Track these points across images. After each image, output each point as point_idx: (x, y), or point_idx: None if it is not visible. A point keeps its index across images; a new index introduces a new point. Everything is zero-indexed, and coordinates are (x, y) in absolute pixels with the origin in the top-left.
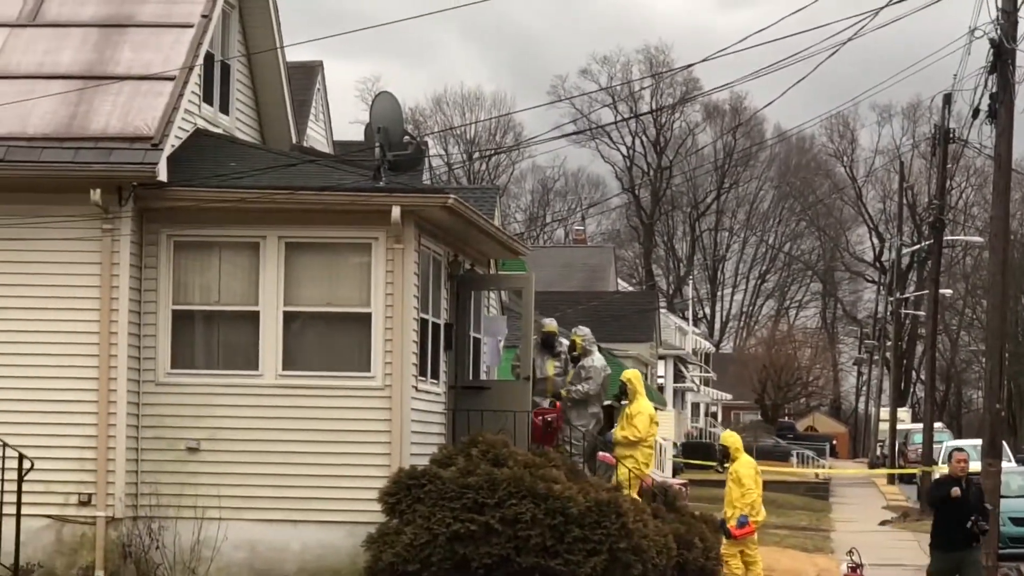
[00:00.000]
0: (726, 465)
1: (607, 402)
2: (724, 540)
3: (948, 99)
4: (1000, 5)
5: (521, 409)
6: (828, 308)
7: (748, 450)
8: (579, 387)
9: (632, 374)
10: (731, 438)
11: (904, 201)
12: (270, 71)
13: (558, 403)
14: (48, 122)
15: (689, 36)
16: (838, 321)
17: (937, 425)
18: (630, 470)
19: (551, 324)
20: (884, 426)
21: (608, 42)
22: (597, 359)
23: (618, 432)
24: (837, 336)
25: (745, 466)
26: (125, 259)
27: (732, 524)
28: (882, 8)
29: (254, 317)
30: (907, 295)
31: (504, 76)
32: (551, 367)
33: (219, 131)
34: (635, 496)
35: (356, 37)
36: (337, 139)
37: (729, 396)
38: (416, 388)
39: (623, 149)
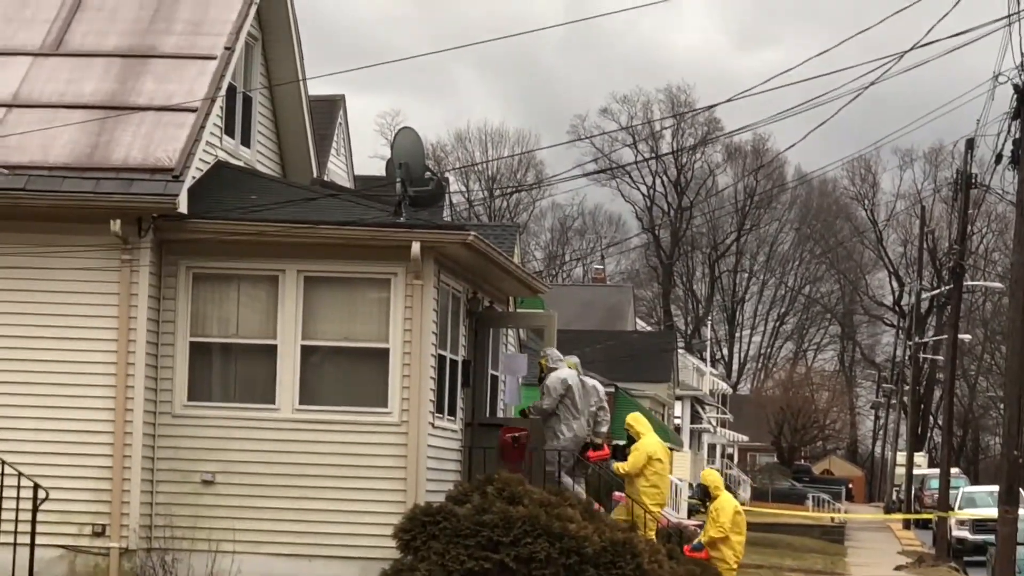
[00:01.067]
0: (707, 504)
1: (616, 441)
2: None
3: (971, 144)
4: None
5: (538, 447)
6: (846, 351)
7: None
8: (538, 404)
9: (631, 418)
10: (710, 476)
11: (924, 245)
12: (292, 104)
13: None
14: (70, 151)
15: (710, 77)
16: (856, 364)
17: (954, 471)
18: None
19: (544, 357)
20: (900, 471)
21: (629, 82)
22: (554, 375)
23: (616, 467)
24: (855, 379)
25: (725, 503)
26: (144, 290)
27: (687, 546)
28: (906, 52)
29: (272, 350)
30: (926, 339)
31: (524, 114)
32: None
33: (240, 163)
34: (651, 536)
35: (378, 71)
36: (358, 173)
37: (746, 438)
38: (433, 424)
39: (643, 189)
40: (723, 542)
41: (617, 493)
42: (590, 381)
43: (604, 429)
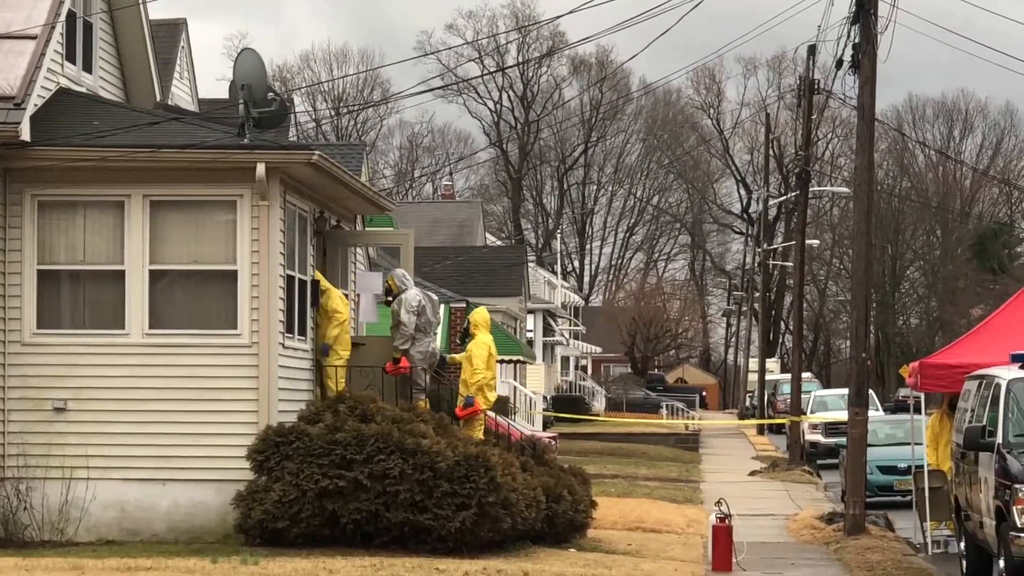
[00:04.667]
0: (466, 341)
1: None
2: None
3: (812, 50)
4: None
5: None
6: (696, 260)
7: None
8: (399, 326)
9: (476, 314)
10: (477, 315)
11: (770, 153)
12: (133, 29)
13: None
14: None
15: None
16: (707, 273)
17: (806, 375)
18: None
19: (391, 277)
20: (753, 377)
21: None
22: (410, 294)
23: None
24: (706, 288)
25: (479, 346)
26: None
27: (458, 406)
28: None
29: (120, 276)
30: (775, 246)
31: (370, 33)
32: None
33: (82, 90)
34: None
35: None
36: (205, 97)
37: (599, 349)
38: (283, 345)
39: (490, 104)
40: (480, 388)
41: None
42: (434, 297)
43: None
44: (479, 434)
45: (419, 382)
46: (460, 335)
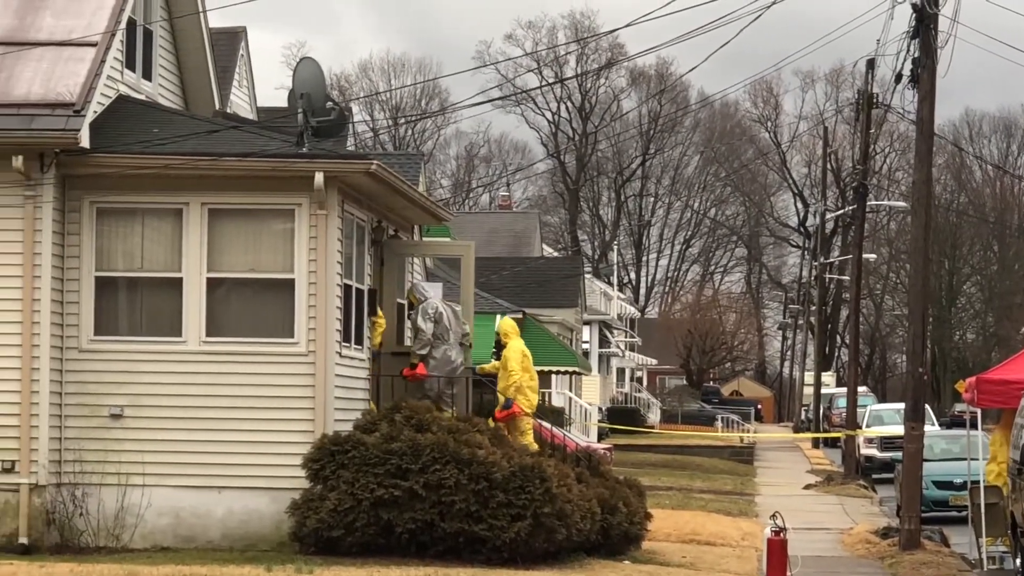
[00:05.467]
0: (499, 352)
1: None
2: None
3: (871, 64)
4: None
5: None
6: (753, 273)
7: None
8: (418, 332)
9: (505, 323)
10: (504, 324)
11: (828, 166)
12: (192, 37)
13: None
14: None
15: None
16: (763, 286)
17: (861, 389)
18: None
19: (412, 290)
20: (809, 390)
21: (533, 7)
22: (429, 303)
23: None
24: (762, 301)
25: (512, 350)
26: (48, 226)
27: (496, 409)
28: None
29: (177, 283)
30: (831, 260)
31: (427, 43)
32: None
33: (142, 97)
34: (529, 440)
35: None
36: (262, 105)
37: (655, 361)
38: (340, 354)
39: (548, 115)
40: (519, 389)
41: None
42: (457, 308)
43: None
44: (528, 439)
45: (431, 388)
46: (494, 349)
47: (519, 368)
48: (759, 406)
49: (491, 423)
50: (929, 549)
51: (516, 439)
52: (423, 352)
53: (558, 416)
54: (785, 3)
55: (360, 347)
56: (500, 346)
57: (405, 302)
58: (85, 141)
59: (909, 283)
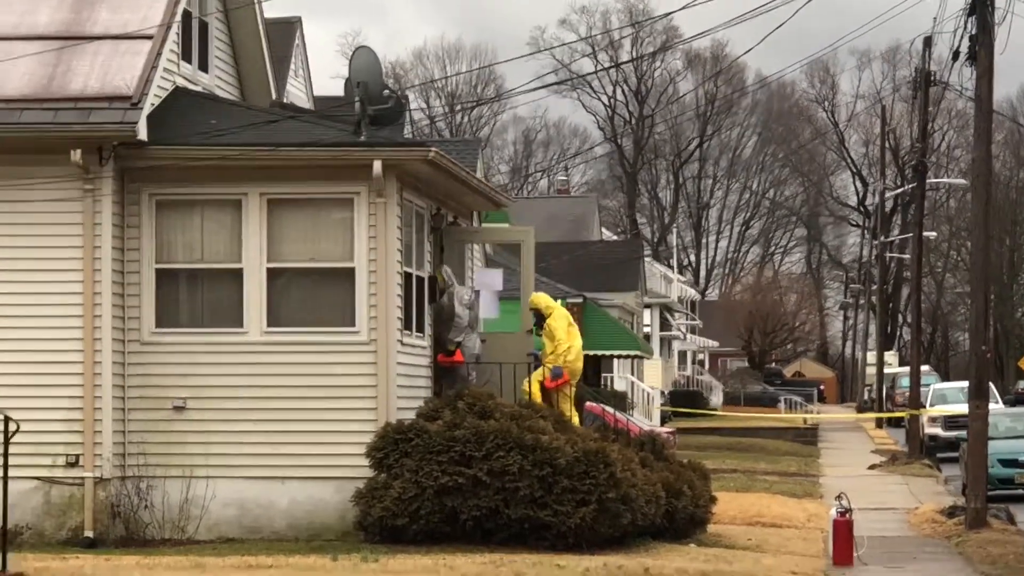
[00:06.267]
0: (543, 326)
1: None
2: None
3: (928, 42)
4: None
5: (513, 360)
6: (813, 253)
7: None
8: (453, 319)
9: (537, 297)
10: (539, 299)
11: (886, 145)
12: (248, 28)
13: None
14: (27, 83)
15: None
16: (823, 266)
17: (924, 368)
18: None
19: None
20: (871, 370)
21: None
22: (459, 288)
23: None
24: (822, 281)
25: (556, 319)
26: (107, 219)
27: (547, 378)
28: None
29: (238, 274)
30: (891, 239)
31: (481, 29)
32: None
33: (199, 89)
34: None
35: None
36: (318, 95)
37: (716, 343)
38: (401, 342)
39: (604, 99)
40: (576, 356)
41: (589, 404)
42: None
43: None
44: (567, 407)
45: (465, 375)
46: (534, 325)
47: (566, 337)
48: (822, 387)
49: (525, 389)
50: (995, 527)
51: (559, 406)
52: (459, 339)
53: (620, 400)
54: None
55: (421, 335)
56: (541, 318)
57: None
58: (143, 134)
59: (970, 260)
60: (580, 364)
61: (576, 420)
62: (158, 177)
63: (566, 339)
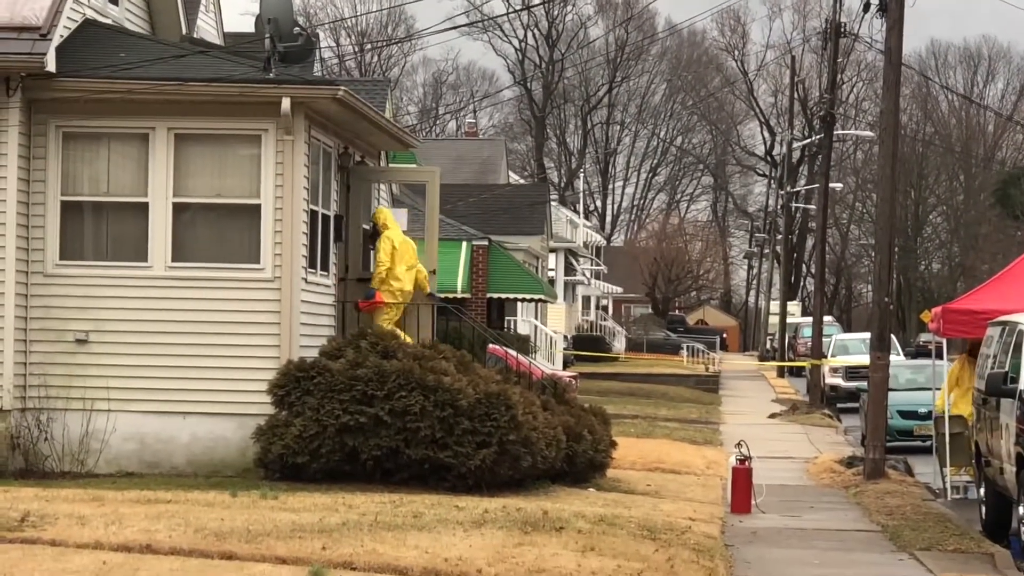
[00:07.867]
0: (376, 241)
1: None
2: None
3: None
4: None
5: (417, 301)
6: (719, 202)
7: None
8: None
9: (380, 212)
10: (380, 213)
11: (795, 95)
12: None
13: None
14: None
15: None
16: (729, 215)
17: (827, 319)
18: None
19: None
20: (774, 319)
21: None
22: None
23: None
24: (728, 230)
25: (384, 240)
26: (13, 150)
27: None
28: None
29: (143, 208)
30: (798, 189)
31: None
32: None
33: (108, 22)
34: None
35: None
36: (228, 31)
37: (620, 289)
38: (306, 280)
39: (515, 42)
40: (383, 280)
41: (492, 346)
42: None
43: None
44: (387, 326)
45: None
46: (369, 238)
47: (387, 260)
48: (724, 335)
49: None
50: (893, 479)
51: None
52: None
53: (524, 344)
54: None
55: (326, 273)
56: (376, 234)
57: (370, 227)
58: (51, 65)
59: (876, 213)
60: (408, 287)
61: (408, 341)
62: (66, 109)
63: (387, 260)
